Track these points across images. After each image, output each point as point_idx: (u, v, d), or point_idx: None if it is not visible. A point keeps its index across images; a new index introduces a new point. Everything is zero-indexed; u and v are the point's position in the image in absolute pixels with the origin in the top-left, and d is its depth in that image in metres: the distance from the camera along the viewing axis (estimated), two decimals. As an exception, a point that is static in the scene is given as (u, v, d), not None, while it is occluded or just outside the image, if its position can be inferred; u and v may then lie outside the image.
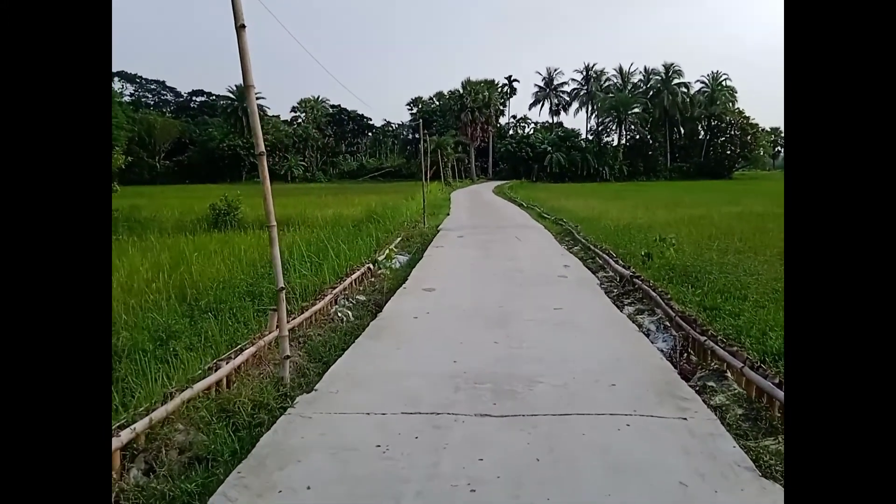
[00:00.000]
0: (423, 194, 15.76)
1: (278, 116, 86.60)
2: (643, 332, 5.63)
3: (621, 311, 6.44)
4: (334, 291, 7.00)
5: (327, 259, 9.09)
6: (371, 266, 8.23)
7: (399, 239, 12.40)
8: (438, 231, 13.90)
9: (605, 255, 9.56)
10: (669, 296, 6.41)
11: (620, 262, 8.67)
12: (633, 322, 5.97)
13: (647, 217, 18.71)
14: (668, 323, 5.95)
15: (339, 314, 6.36)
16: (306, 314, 5.93)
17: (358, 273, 8.08)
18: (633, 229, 14.90)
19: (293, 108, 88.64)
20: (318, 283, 7.63)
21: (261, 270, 8.53)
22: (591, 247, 10.78)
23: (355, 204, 22.88)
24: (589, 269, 8.98)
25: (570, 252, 10.87)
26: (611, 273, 8.73)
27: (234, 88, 75.69)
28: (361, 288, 8.10)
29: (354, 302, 7.14)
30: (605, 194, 34.67)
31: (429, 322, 5.75)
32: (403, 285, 7.51)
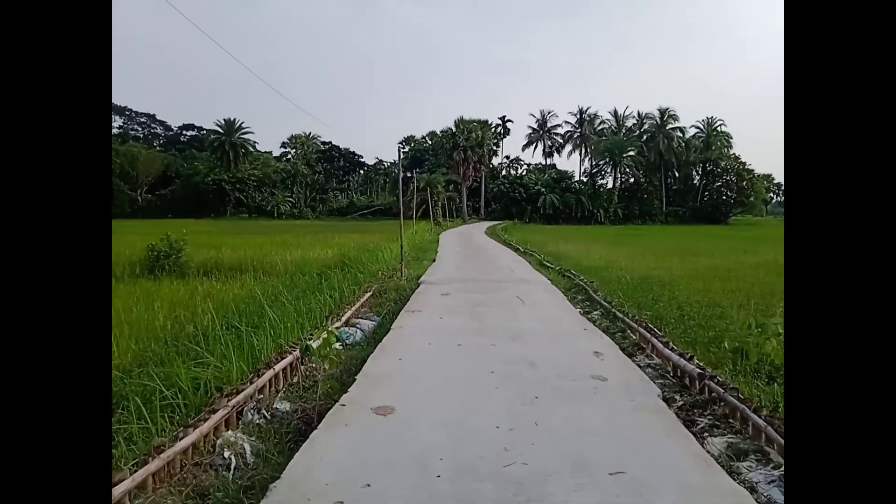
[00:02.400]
0: (401, 240, 12.91)
1: (270, 153, 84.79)
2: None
3: (702, 445, 3.82)
4: (235, 400, 4.33)
5: (261, 329, 6.44)
6: (309, 353, 5.49)
7: (368, 295, 9.74)
8: (419, 284, 11.15)
9: (641, 330, 6.96)
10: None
11: (672, 345, 6.05)
12: (744, 485, 3.33)
13: (661, 266, 16.32)
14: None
15: (227, 453, 3.67)
16: (153, 464, 3.24)
17: (288, 360, 5.41)
18: (655, 284, 12.45)
19: (283, 143, 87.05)
20: (224, 377, 4.98)
21: (170, 347, 5.83)
22: (618, 312, 8.18)
23: (332, 244, 20.28)
24: (625, 351, 6.36)
25: (590, 319, 8.26)
26: (656, 359, 6.13)
27: (223, 122, 74.05)
28: (295, 380, 5.44)
29: (269, 416, 4.46)
30: (604, 238, 32.40)
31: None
32: (346, 394, 4.64)
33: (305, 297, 9.20)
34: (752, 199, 72.13)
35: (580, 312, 8.78)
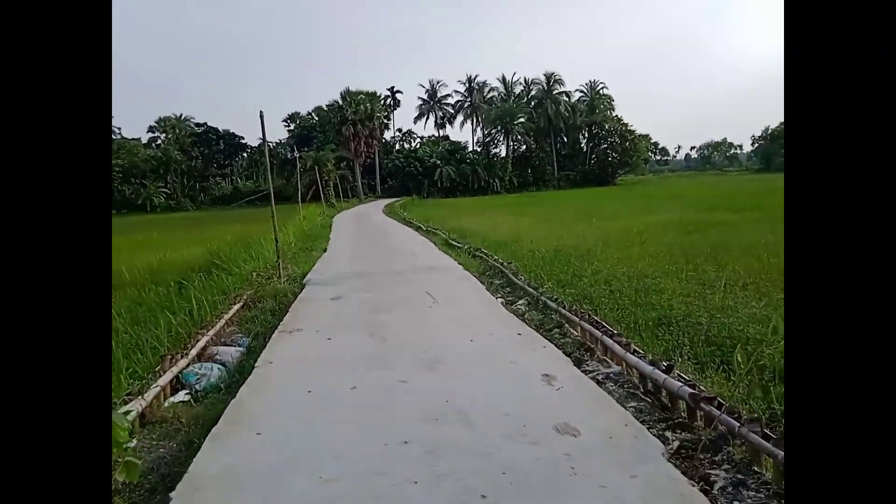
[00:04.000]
0: (275, 233, 10.60)
1: (139, 139, 75.78)
2: None
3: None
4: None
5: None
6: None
7: (238, 307, 7.60)
8: (304, 286, 9.13)
9: (584, 324, 5.57)
10: None
11: (634, 347, 4.68)
12: None
13: (571, 235, 15.50)
14: None
15: None
16: None
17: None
18: (571, 256, 11.42)
19: (150, 127, 78.20)
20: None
21: None
22: (549, 302, 6.76)
23: (207, 240, 17.45)
24: (572, 357, 4.92)
25: (516, 312, 6.78)
26: (613, 366, 4.75)
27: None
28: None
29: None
30: (504, 208, 31.68)
31: None
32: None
33: (153, 319, 6.96)
34: (635, 158, 75.65)
35: (503, 303, 7.29)
